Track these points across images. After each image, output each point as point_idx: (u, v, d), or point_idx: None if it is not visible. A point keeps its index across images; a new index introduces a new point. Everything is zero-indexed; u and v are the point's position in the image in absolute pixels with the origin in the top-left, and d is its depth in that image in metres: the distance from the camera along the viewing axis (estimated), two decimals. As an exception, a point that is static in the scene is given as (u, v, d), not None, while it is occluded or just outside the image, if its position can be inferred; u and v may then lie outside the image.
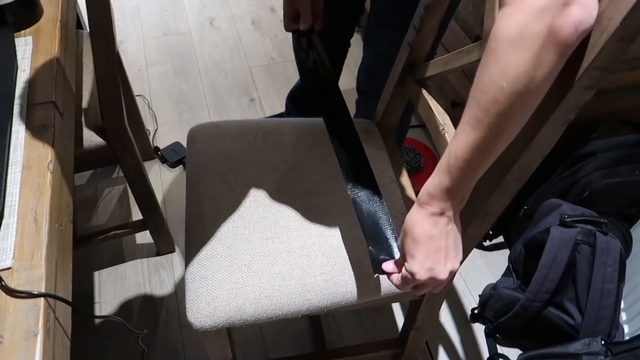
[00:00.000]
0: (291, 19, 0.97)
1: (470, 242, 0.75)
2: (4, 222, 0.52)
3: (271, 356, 1.18)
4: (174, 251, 1.35)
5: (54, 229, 0.54)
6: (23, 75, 0.67)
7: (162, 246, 1.32)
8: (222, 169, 0.91)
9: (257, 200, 0.87)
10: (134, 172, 1.08)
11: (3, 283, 0.47)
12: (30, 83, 0.67)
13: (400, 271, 0.65)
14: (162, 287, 1.29)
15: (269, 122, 1.01)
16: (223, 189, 0.88)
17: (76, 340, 1.18)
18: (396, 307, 1.29)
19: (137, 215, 1.42)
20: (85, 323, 1.21)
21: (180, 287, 1.29)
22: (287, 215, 0.85)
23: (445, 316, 1.29)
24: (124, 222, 1.34)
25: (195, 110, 1.74)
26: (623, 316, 1.21)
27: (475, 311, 1.29)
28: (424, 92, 0.88)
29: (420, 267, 0.60)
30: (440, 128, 0.82)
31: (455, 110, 1.43)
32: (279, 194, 0.88)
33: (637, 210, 1.25)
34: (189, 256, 0.81)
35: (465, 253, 0.78)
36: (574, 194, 1.16)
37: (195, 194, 0.88)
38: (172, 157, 1.58)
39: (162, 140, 1.64)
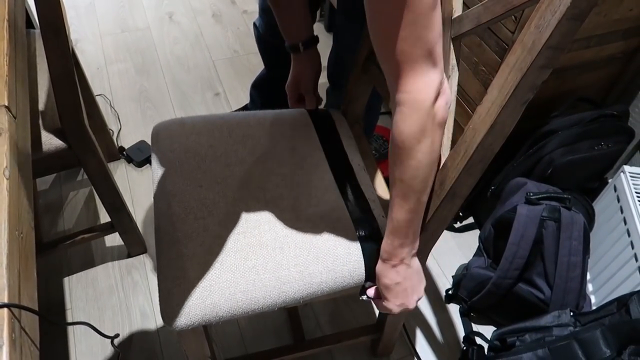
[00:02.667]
0: (295, 102, 1.05)
1: (441, 224, 0.76)
2: (-41, 233, 0.49)
3: (250, 350, 1.18)
4: (145, 252, 1.33)
5: (14, 237, 0.52)
6: (-29, 79, 0.64)
7: (133, 247, 1.29)
8: (189, 166, 0.90)
9: (226, 196, 0.86)
10: (98, 174, 1.06)
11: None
12: (-19, 85, 0.64)
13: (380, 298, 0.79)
14: (135, 289, 1.26)
15: (234, 116, 0.99)
16: (191, 186, 0.87)
17: (48, 349, 1.15)
18: (372, 293, 1.30)
19: (105, 217, 1.39)
20: (56, 331, 1.18)
21: (154, 288, 1.27)
22: (258, 209, 0.85)
23: (423, 300, 1.31)
24: (91, 226, 1.30)
25: (159, 108, 1.71)
26: (589, 287, 1.25)
27: (450, 292, 1.31)
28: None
29: (394, 305, 0.76)
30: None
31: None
32: (248, 188, 0.88)
33: (598, 184, 1.29)
34: (159, 256, 0.80)
35: (436, 235, 0.79)
36: (537, 171, 1.19)
37: (163, 193, 0.87)
38: (138, 156, 1.55)
39: (126, 140, 1.60)
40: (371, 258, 0.80)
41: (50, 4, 0.77)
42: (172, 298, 0.75)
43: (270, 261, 0.79)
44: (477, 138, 0.63)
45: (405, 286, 0.74)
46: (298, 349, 1.06)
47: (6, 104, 0.63)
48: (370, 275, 0.80)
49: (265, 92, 1.48)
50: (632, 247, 1.09)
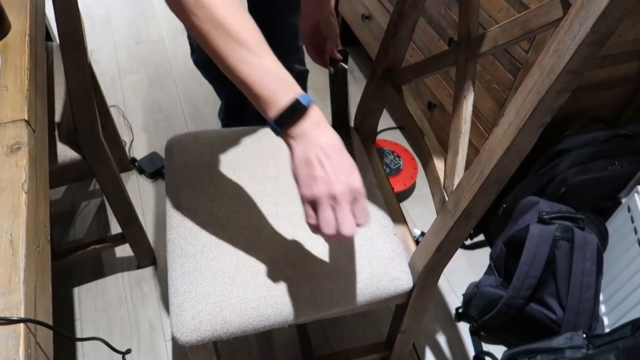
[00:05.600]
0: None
1: (454, 244, 0.75)
2: (-22, 246, 0.50)
3: (258, 366, 1.17)
4: (155, 263, 1.33)
5: (31, 251, 0.52)
6: (-8, 93, 0.65)
7: (143, 259, 1.30)
8: (202, 181, 0.90)
9: (239, 211, 0.86)
10: (110, 185, 1.06)
11: (-21, 310, 0.45)
12: (0, 101, 0.65)
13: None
14: (144, 301, 1.26)
15: (247, 131, 1.00)
16: (204, 200, 0.87)
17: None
18: (382, 310, 1.30)
19: (115, 228, 1.39)
20: (66, 343, 1.18)
21: (163, 300, 1.27)
22: (270, 225, 0.85)
23: (430, 316, 1.30)
24: (102, 236, 1.31)
25: (171, 120, 1.72)
26: (602, 308, 1.23)
27: (460, 310, 1.30)
28: (402, 96, 0.89)
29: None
30: (420, 132, 0.82)
31: (432, 111, 1.45)
32: (261, 204, 0.88)
33: (612, 203, 1.28)
34: (172, 270, 0.80)
35: (449, 255, 0.79)
36: (550, 190, 1.18)
37: (176, 207, 0.87)
38: (150, 167, 1.55)
39: (138, 151, 1.61)
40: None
41: (70, 19, 0.78)
42: (183, 312, 0.75)
43: (281, 278, 0.78)
44: (494, 159, 0.62)
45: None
46: (306, 365, 1.05)
47: (26, 118, 0.63)
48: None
49: (240, 118, 1.42)
50: (647, 269, 1.08)
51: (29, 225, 0.54)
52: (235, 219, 0.85)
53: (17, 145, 0.60)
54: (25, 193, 0.55)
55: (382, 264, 0.81)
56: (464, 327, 1.29)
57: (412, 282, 0.82)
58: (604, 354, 0.92)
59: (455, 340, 1.26)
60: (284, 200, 0.88)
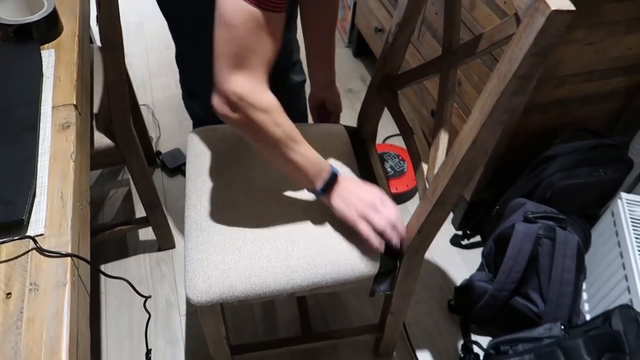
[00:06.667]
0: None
1: (433, 227, 0.86)
2: (36, 199, 0.63)
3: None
4: (174, 247, 1.46)
5: (76, 207, 0.65)
6: (48, 82, 0.79)
7: (164, 242, 1.43)
8: (218, 168, 1.03)
9: (248, 194, 0.98)
10: (138, 171, 1.20)
11: (38, 245, 0.58)
12: (54, 88, 0.79)
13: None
14: (162, 280, 1.39)
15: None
16: (219, 184, 1.00)
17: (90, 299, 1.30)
18: (377, 301, 1.40)
19: (139, 214, 1.53)
20: (95, 288, 1.32)
21: (180, 280, 1.39)
22: (275, 207, 0.97)
23: (425, 308, 1.40)
24: (127, 219, 1.45)
25: (195, 119, 1.86)
26: (586, 307, 1.31)
27: (451, 302, 1.40)
28: (397, 99, 1.00)
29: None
30: (411, 131, 0.93)
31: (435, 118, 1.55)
32: (268, 189, 1.00)
33: (598, 210, 1.36)
34: (188, 242, 0.92)
35: (430, 238, 0.89)
36: (538, 194, 1.27)
37: (195, 189, 1.00)
38: (171, 163, 1.69)
39: (163, 147, 1.75)
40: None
41: (112, 25, 0.92)
42: (196, 277, 0.87)
43: (282, 252, 0.90)
44: (462, 151, 0.73)
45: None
46: (306, 340, 1.16)
47: (74, 103, 0.77)
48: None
49: None
50: (624, 269, 1.16)
51: (75, 186, 0.67)
52: (245, 201, 0.97)
53: (67, 124, 0.73)
54: (73, 161, 0.69)
55: (371, 245, 0.92)
56: (455, 319, 1.38)
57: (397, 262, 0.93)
58: (574, 339, 1.00)
59: (446, 330, 1.36)
60: (287, 186, 1.00)
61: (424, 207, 0.84)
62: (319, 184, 0.86)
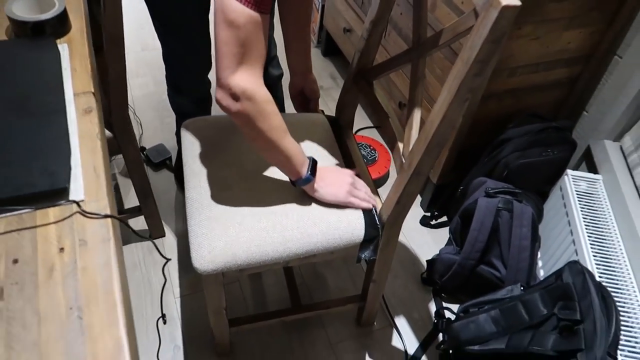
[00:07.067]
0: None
1: (409, 197, 0.99)
2: (72, 172, 0.72)
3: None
4: (164, 235, 1.54)
5: (108, 177, 0.74)
6: (66, 73, 0.88)
7: (155, 230, 1.51)
8: (212, 153, 1.13)
9: (242, 174, 1.09)
10: (133, 161, 1.28)
11: (82, 209, 0.67)
12: (72, 78, 0.87)
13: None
14: (155, 266, 1.47)
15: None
16: (214, 166, 1.10)
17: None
18: (357, 277, 1.52)
19: (131, 204, 1.60)
20: None
21: (172, 266, 1.48)
22: (268, 184, 1.08)
23: (401, 282, 1.53)
24: (120, 209, 1.52)
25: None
26: (541, 272, 1.48)
27: (424, 275, 1.54)
28: (373, 89, 1.13)
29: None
30: (386, 115, 1.06)
31: (402, 110, 1.70)
32: (259, 168, 1.11)
33: (549, 188, 1.54)
34: (191, 219, 1.02)
35: (407, 207, 1.02)
36: (496, 173, 1.43)
37: (193, 173, 1.10)
38: (156, 157, 1.76)
39: (147, 143, 1.83)
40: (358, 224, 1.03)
41: (115, 23, 1.01)
42: (201, 249, 0.97)
43: (278, 224, 1.01)
44: (434, 127, 0.86)
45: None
46: (296, 311, 1.27)
47: (92, 91, 0.86)
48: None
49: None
50: (572, 235, 1.33)
51: (104, 161, 0.76)
52: (242, 181, 1.08)
53: (90, 109, 0.82)
54: (99, 140, 0.78)
55: (358, 218, 1.04)
56: (428, 290, 1.52)
57: (379, 230, 1.06)
58: (531, 294, 1.16)
59: (420, 300, 1.50)
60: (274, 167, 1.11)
61: (402, 179, 0.97)
62: (304, 171, 0.99)
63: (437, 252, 1.56)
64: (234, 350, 1.33)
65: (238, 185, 1.07)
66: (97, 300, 0.60)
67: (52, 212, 0.67)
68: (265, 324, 1.26)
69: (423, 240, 1.66)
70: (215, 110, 1.70)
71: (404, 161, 0.99)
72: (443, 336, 1.35)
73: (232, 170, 1.10)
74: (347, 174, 1.06)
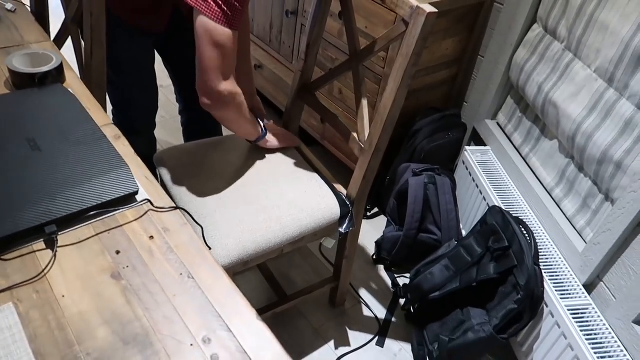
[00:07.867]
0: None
1: (372, 172, 1.25)
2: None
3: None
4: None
5: (156, 184, 0.89)
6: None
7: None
8: (195, 171, 1.28)
9: (227, 181, 1.26)
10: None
11: (154, 205, 0.82)
12: (90, 112, 0.99)
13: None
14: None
15: (211, 140, 1.40)
16: (201, 181, 1.25)
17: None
18: (320, 269, 1.73)
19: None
20: None
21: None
22: (253, 185, 1.26)
23: (356, 266, 1.76)
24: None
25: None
26: (463, 231, 1.82)
27: (374, 256, 1.79)
28: (317, 98, 1.39)
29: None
30: (335, 116, 1.32)
31: (324, 124, 1.97)
32: (239, 174, 1.28)
33: (452, 165, 1.91)
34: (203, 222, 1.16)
35: (370, 181, 1.27)
36: (415, 157, 1.76)
37: (181, 194, 1.24)
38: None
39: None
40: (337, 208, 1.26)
41: (100, 74, 1.15)
42: (216, 248, 1.12)
43: (273, 216, 1.20)
44: (387, 109, 1.14)
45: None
46: (281, 303, 1.43)
47: (112, 123, 0.99)
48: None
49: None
50: (481, 193, 1.69)
51: (150, 172, 0.90)
52: (229, 187, 1.24)
53: (118, 136, 0.96)
54: (138, 157, 0.92)
55: (332, 199, 1.27)
56: (381, 268, 1.78)
57: (350, 206, 1.29)
58: (467, 239, 1.47)
59: (377, 278, 1.74)
60: (247, 167, 1.30)
61: (365, 158, 1.23)
62: (260, 130, 1.32)
63: (381, 235, 1.84)
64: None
65: (227, 191, 1.24)
66: (199, 264, 0.75)
67: (130, 213, 0.81)
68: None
69: (364, 229, 1.92)
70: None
71: (362, 146, 1.25)
72: (405, 297, 1.60)
73: (217, 181, 1.26)
74: (281, 129, 1.43)
